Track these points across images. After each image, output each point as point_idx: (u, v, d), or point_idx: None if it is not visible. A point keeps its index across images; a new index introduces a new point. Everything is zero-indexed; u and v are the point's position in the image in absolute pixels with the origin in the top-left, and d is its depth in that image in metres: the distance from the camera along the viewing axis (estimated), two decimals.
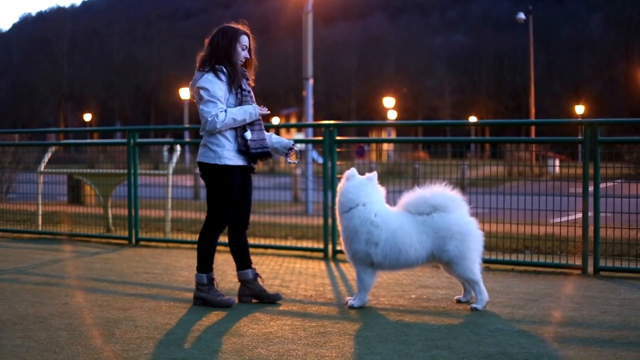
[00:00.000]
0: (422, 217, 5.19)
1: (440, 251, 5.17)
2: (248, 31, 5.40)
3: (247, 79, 5.42)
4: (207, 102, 5.20)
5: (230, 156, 5.28)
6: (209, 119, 5.16)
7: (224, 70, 5.25)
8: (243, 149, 5.29)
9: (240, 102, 5.29)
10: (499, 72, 72.34)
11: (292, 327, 4.72)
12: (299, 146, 5.67)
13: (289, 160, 5.56)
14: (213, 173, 5.31)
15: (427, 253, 5.19)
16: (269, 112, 5.47)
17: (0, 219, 10.99)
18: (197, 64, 5.35)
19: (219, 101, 5.20)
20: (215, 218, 5.38)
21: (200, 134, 5.41)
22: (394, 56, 73.51)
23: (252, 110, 5.30)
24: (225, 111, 5.20)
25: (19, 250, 8.65)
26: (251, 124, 5.33)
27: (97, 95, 76.98)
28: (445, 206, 5.21)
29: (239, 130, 5.30)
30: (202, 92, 5.21)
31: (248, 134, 5.29)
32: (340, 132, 8.13)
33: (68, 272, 7.07)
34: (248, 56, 5.40)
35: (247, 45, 5.37)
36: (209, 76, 5.23)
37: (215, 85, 5.20)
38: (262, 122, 5.47)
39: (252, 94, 5.44)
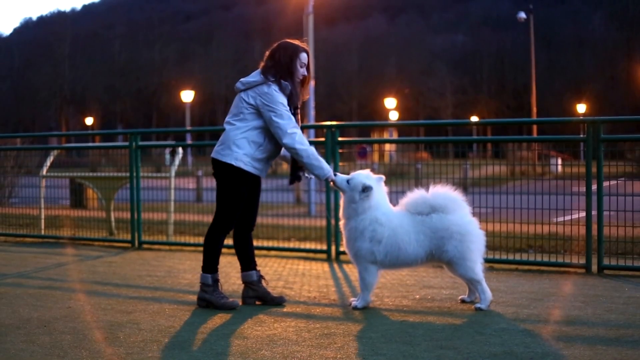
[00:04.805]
0: (420, 217, 5.21)
1: (440, 251, 5.17)
2: (307, 48, 5.40)
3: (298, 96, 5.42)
4: (282, 114, 5.15)
5: (246, 161, 5.25)
6: (288, 131, 5.12)
7: (289, 87, 5.24)
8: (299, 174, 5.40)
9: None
10: (500, 72, 72.36)
11: (296, 329, 4.71)
12: None
13: (306, 175, 5.52)
14: (227, 172, 5.28)
15: (426, 252, 5.19)
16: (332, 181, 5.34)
17: (3, 223, 11.00)
18: (262, 71, 5.26)
19: (290, 118, 5.20)
20: (223, 218, 5.37)
21: (230, 134, 5.25)
22: (395, 57, 73.54)
23: (325, 173, 5.22)
24: (306, 143, 5.18)
25: (21, 254, 8.64)
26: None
27: (98, 98, 77.07)
28: (445, 207, 5.21)
29: (292, 161, 5.37)
30: (273, 105, 5.15)
31: (307, 174, 5.40)
32: (342, 133, 8.12)
33: (71, 275, 7.07)
34: (306, 73, 5.39)
35: (306, 62, 5.36)
36: (276, 88, 5.21)
37: (283, 99, 5.20)
38: None
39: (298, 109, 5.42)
